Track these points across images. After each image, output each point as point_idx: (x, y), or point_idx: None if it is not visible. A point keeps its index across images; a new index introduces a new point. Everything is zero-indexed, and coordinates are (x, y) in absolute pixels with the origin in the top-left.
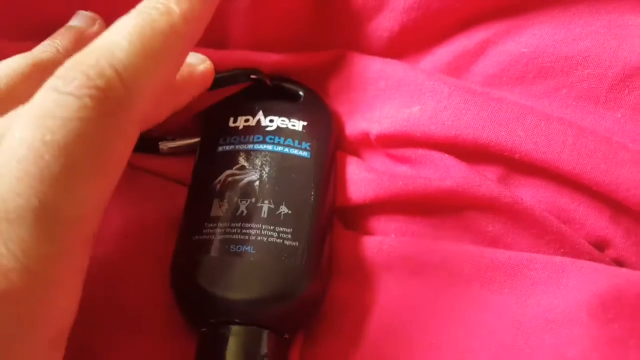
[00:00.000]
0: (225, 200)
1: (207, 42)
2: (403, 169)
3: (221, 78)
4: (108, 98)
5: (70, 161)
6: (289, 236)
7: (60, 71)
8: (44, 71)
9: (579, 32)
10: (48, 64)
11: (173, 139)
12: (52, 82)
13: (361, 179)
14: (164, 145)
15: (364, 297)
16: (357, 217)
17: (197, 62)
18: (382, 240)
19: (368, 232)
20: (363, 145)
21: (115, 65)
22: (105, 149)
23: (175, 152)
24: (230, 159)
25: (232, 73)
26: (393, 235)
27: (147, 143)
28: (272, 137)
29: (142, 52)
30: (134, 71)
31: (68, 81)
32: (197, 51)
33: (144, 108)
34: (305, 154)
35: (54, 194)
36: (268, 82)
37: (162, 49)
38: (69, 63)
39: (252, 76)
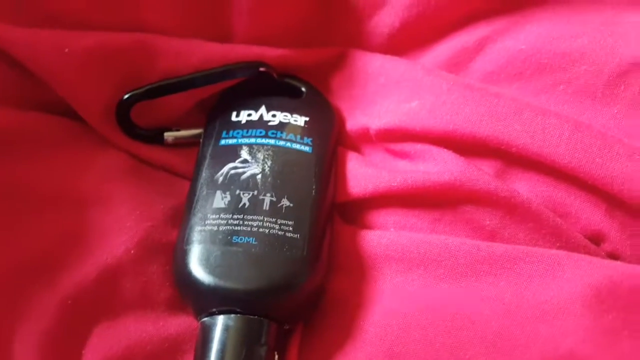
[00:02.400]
0: (227, 193)
1: (211, 35)
2: (402, 164)
3: (229, 69)
4: None
5: None
6: (291, 229)
7: None
8: None
9: (576, 30)
10: None
11: (177, 129)
12: None
13: (361, 174)
14: (169, 136)
15: (362, 290)
16: (356, 212)
17: None
18: (381, 234)
19: (367, 226)
20: (363, 140)
21: None
22: None
23: (179, 143)
24: (233, 153)
25: (240, 65)
26: (392, 229)
27: (152, 134)
28: (275, 132)
29: None
30: None
31: None
32: (200, 45)
33: None
34: (307, 148)
35: None
36: (275, 75)
37: None
38: None
39: (261, 69)
